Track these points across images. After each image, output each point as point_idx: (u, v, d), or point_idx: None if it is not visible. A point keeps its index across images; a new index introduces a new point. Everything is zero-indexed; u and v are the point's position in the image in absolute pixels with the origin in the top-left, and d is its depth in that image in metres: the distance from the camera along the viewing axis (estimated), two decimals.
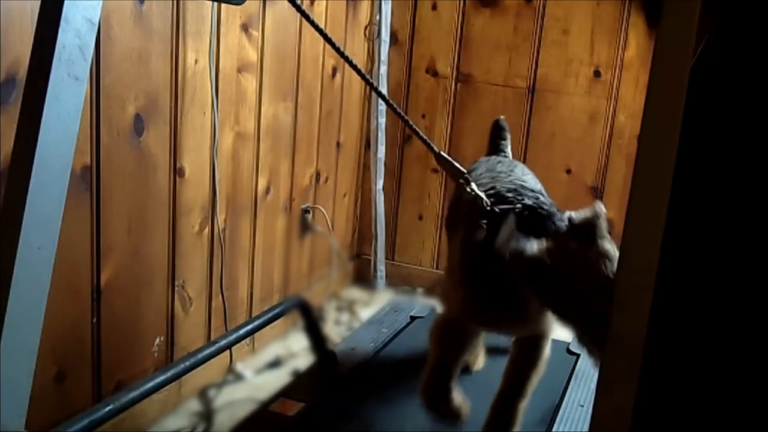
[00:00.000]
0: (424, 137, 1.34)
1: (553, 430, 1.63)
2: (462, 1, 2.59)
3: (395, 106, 1.32)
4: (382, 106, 2.69)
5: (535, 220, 1.25)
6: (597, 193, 2.56)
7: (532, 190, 1.37)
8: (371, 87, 1.30)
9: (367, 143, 2.78)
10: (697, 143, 1.03)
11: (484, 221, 1.28)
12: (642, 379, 0.71)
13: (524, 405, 1.47)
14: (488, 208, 1.28)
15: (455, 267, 1.41)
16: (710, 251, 1.05)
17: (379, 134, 2.70)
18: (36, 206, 1.01)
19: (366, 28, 2.61)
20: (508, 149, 1.79)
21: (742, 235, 1.02)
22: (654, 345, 0.96)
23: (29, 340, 1.06)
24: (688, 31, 0.54)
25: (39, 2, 1.03)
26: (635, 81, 2.46)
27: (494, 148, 1.78)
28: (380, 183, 2.76)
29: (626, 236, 0.68)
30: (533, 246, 1.19)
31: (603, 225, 1.16)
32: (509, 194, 1.34)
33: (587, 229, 1.15)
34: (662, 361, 1.08)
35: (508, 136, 1.81)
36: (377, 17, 2.59)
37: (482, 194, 1.30)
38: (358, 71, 1.26)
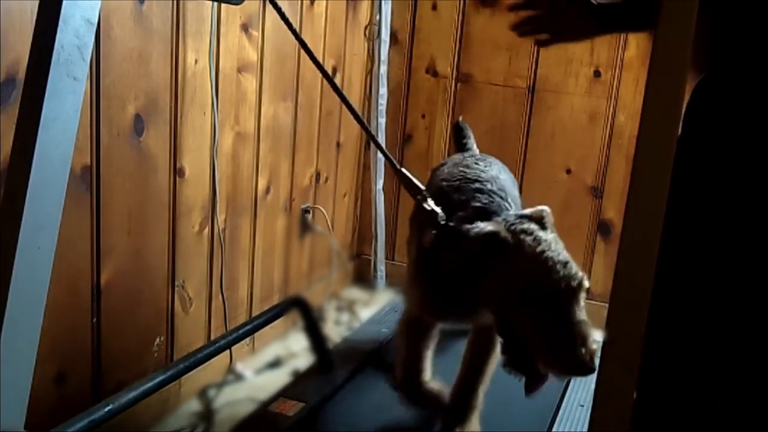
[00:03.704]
0: (385, 151, 1.39)
1: (553, 430, 1.63)
2: (462, 1, 2.59)
3: (350, 102, 1.32)
4: (382, 106, 2.69)
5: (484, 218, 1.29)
6: (597, 193, 2.56)
7: (489, 192, 1.40)
8: (335, 90, 1.31)
9: (367, 143, 2.78)
10: (694, 151, 1.03)
11: (434, 231, 1.32)
12: (641, 380, 0.71)
13: (484, 389, 1.54)
14: (443, 222, 1.31)
15: (412, 267, 1.48)
16: (708, 251, 1.05)
17: (379, 134, 2.70)
18: (35, 206, 1.01)
19: (366, 28, 2.61)
20: (473, 146, 1.84)
21: (740, 234, 1.02)
22: (652, 346, 0.96)
23: (29, 340, 1.06)
24: (685, 32, 0.54)
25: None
26: (635, 81, 2.46)
27: (460, 147, 1.83)
28: (380, 183, 2.76)
29: (625, 236, 0.68)
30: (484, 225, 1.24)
31: (549, 220, 1.24)
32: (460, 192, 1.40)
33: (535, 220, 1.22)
34: (661, 361, 1.08)
35: (470, 134, 1.86)
36: (377, 17, 2.59)
37: (438, 209, 1.33)
38: (328, 77, 1.27)
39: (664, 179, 0.63)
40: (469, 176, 1.45)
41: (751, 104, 1.00)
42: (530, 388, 1.18)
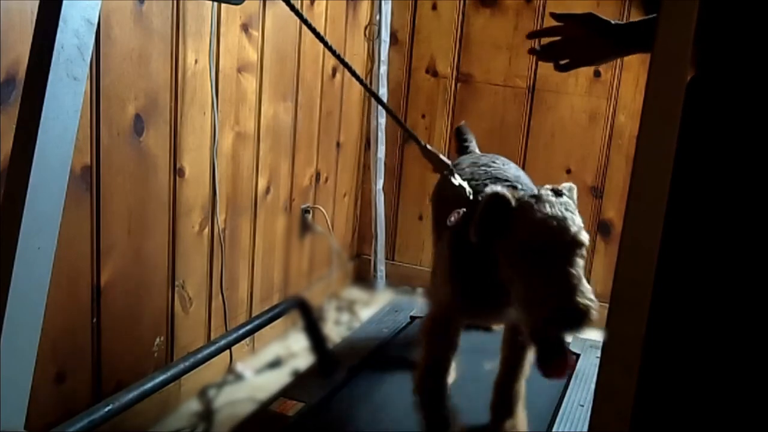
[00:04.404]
0: (410, 130, 1.37)
1: (553, 430, 1.63)
2: (462, 1, 2.59)
3: (374, 92, 1.34)
4: None
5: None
6: (597, 193, 2.56)
7: (507, 180, 1.42)
8: (361, 83, 1.31)
9: (367, 143, 2.78)
10: (694, 149, 1.03)
11: (462, 210, 1.30)
12: (641, 382, 0.71)
13: (525, 377, 1.53)
14: (470, 197, 1.30)
15: (443, 262, 1.43)
16: (708, 251, 1.05)
17: (379, 134, 2.70)
18: (35, 206, 1.01)
19: (366, 28, 2.61)
20: (475, 148, 1.86)
21: (741, 235, 1.02)
22: (652, 346, 0.96)
23: (29, 340, 1.06)
24: (685, 32, 0.54)
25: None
26: (635, 81, 2.46)
27: (463, 149, 1.84)
28: (380, 183, 2.76)
29: (625, 236, 0.68)
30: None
31: (570, 194, 1.22)
32: (487, 182, 1.40)
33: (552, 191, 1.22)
34: (661, 362, 1.08)
35: (472, 137, 1.88)
36: (377, 17, 2.59)
37: (465, 184, 1.32)
38: (347, 66, 1.27)
39: (664, 179, 0.63)
40: (495, 175, 1.47)
41: (742, 104, 1.00)
42: (552, 363, 1.16)
